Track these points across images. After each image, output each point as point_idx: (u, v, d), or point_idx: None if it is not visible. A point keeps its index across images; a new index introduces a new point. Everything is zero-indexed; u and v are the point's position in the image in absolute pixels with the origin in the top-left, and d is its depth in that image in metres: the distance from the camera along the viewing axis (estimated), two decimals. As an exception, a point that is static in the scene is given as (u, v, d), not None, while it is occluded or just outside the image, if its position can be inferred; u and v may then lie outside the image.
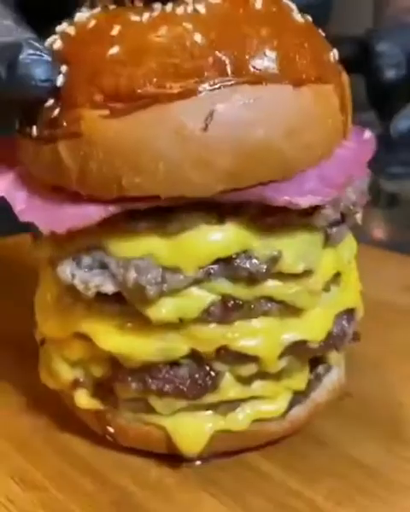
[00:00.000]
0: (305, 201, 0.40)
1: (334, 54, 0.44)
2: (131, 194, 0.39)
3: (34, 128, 0.42)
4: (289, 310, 0.45)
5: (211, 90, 0.38)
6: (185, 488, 0.46)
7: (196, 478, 0.47)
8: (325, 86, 0.42)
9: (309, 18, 0.44)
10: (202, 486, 0.46)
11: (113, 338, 0.45)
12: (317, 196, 0.41)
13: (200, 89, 0.38)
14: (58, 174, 0.41)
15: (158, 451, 0.48)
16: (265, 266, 0.42)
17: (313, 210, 0.42)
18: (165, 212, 0.41)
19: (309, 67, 0.41)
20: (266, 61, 0.39)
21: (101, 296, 0.43)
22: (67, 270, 0.43)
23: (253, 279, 0.43)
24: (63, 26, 0.44)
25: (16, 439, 0.51)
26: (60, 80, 0.40)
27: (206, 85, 0.38)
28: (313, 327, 0.46)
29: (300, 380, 0.48)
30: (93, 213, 0.40)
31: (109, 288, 0.43)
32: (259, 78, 0.39)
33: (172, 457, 0.48)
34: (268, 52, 0.40)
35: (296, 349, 0.45)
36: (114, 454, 0.49)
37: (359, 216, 0.47)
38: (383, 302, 0.51)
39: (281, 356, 0.45)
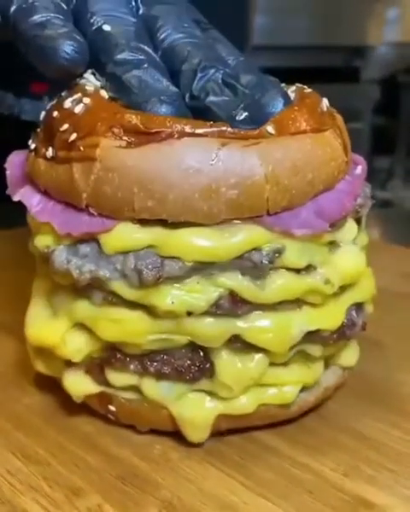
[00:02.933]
0: (300, 233, 0.43)
1: (325, 102, 0.47)
2: (141, 216, 0.42)
3: (50, 149, 0.45)
4: (299, 303, 0.45)
5: (218, 137, 0.41)
6: (190, 462, 0.46)
7: (202, 452, 0.47)
8: (322, 133, 0.45)
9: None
10: (208, 460, 0.46)
11: (112, 327, 0.44)
12: (311, 228, 0.43)
13: (208, 134, 0.41)
14: (70, 193, 0.43)
15: (162, 429, 0.48)
16: (268, 259, 0.42)
17: None
18: None
19: (304, 125, 0.44)
20: (265, 136, 0.42)
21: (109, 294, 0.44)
22: (62, 255, 0.43)
23: (259, 272, 0.43)
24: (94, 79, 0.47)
25: (15, 419, 0.50)
26: (80, 109, 0.44)
27: (213, 131, 0.42)
28: (325, 319, 0.46)
29: (311, 374, 0.48)
30: (107, 222, 0.43)
31: (105, 273, 0.43)
32: (259, 136, 0.42)
33: (176, 433, 0.47)
34: (268, 128, 0.42)
35: (308, 340, 0.45)
36: (117, 430, 0.49)
37: (364, 218, 0.49)
38: (381, 288, 0.51)
39: (291, 348, 0.45)
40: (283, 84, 0.48)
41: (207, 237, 0.42)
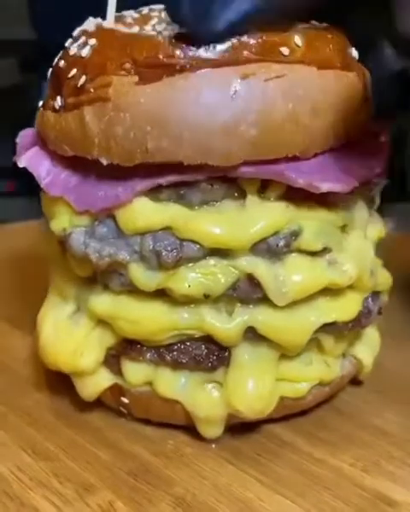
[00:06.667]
0: (326, 186, 0.40)
1: (354, 52, 0.45)
2: (154, 159, 0.39)
3: (58, 99, 0.43)
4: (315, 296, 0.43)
5: (238, 64, 0.39)
6: (204, 458, 0.44)
7: (216, 447, 0.45)
8: (348, 73, 0.42)
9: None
10: (222, 456, 0.45)
11: (131, 327, 0.43)
12: (337, 183, 0.41)
13: (227, 61, 0.39)
14: (80, 141, 0.41)
15: (176, 423, 0.46)
16: (285, 242, 0.41)
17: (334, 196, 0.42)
18: (187, 184, 0.41)
19: (333, 56, 0.42)
20: (292, 46, 0.40)
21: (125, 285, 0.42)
22: (80, 239, 0.42)
23: (274, 254, 0.42)
24: (96, 20, 0.45)
25: (26, 414, 0.49)
26: (86, 51, 0.42)
27: (234, 58, 0.39)
28: (342, 310, 0.44)
29: (330, 372, 0.47)
30: (123, 194, 0.41)
31: (124, 256, 0.41)
32: (285, 60, 0.40)
33: (190, 428, 0.46)
34: (296, 39, 0.40)
35: (322, 330, 0.44)
36: (129, 425, 0.47)
37: (377, 197, 0.48)
38: (401, 280, 0.50)
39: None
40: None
41: (225, 224, 0.40)
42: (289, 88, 0.39)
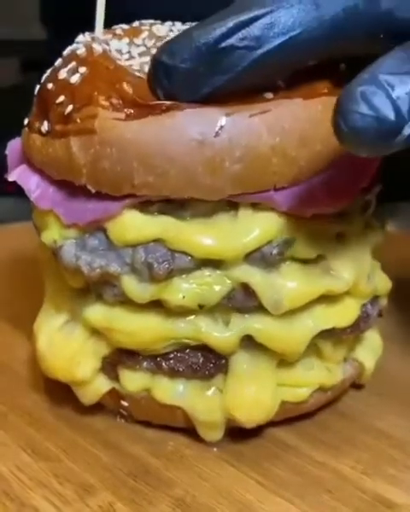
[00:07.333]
0: (312, 211, 0.41)
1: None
2: (141, 193, 0.40)
3: (45, 123, 0.43)
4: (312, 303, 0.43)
5: (221, 106, 0.39)
6: (205, 459, 0.44)
7: (217, 449, 0.45)
8: (335, 98, 0.41)
9: None
10: (223, 457, 0.44)
11: (127, 338, 0.43)
12: (322, 208, 0.41)
13: (213, 102, 0.39)
14: (68, 169, 0.41)
15: (176, 426, 0.46)
16: (278, 250, 0.41)
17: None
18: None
19: (319, 82, 0.41)
20: (274, 89, 0.40)
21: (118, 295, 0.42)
22: (70, 251, 0.42)
23: (267, 263, 0.41)
24: (86, 38, 0.45)
25: (26, 414, 0.49)
26: (76, 79, 0.42)
27: (219, 100, 0.39)
28: (340, 316, 0.44)
29: (331, 377, 0.46)
30: (111, 207, 0.41)
31: (115, 268, 0.41)
32: (267, 99, 0.40)
33: (190, 429, 0.46)
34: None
35: (320, 336, 0.44)
36: (130, 427, 0.47)
37: (373, 201, 0.47)
38: (402, 281, 0.50)
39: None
40: None
41: (217, 234, 0.40)
42: (275, 121, 0.39)
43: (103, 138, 0.39)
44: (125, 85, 0.40)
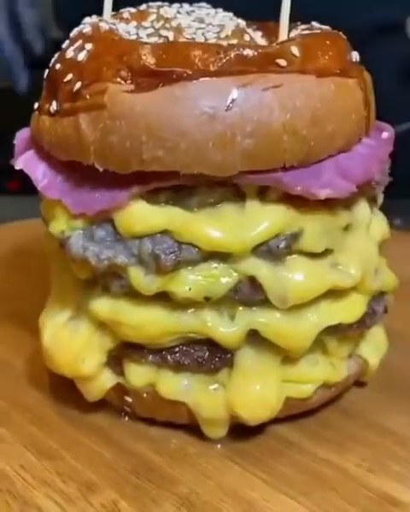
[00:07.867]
0: (323, 193, 0.40)
1: (355, 54, 0.44)
2: (150, 168, 0.39)
3: (54, 103, 0.42)
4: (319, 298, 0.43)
5: (236, 75, 0.38)
6: (208, 457, 0.44)
7: (220, 447, 0.45)
8: (347, 80, 0.42)
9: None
10: (227, 455, 0.44)
11: (133, 331, 0.43)
12: (335, 189, 0.40)
13: (224, 71, 0.38)
14: (76, 148, 0.41)
15: (180, 422, 0.46)
16: (285, 243, 0.41)
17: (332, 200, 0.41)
18: (185, 187, 0.41)
19: (332, 62, 0.41)
20: (290, 58, 0.39)
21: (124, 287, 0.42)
22: (78, 242, 0.42)
23: (274, 256, 0.41)
24: (93, 18, 0.45)
25: (29, 412, 0.49)
26: (83, 56, 0.41)
27: (231, 69, 0.38)
28: (346, 312, 0.44)
29: (336, 373, 0.46)
30: (119, 196, 0.40)
31: (122, 259, 0.41)
32: (282, 71, 0.39)
33: (193, 427, 0.45)
34: (293, 49, 0.40)
35: (326, 332, 0.44)
36: (132, 424, 0.47)
37: (380, 196, 0.47)
38: (407, 279, 0.49)
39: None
40: (314, 23, 0.45)
41: (225, 227, 0.40)
42: (287, 98, 0.39)
43: (113, 112, 0.39)
44: (133, 55, 0.39)
